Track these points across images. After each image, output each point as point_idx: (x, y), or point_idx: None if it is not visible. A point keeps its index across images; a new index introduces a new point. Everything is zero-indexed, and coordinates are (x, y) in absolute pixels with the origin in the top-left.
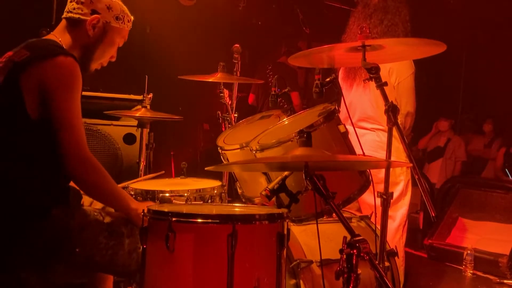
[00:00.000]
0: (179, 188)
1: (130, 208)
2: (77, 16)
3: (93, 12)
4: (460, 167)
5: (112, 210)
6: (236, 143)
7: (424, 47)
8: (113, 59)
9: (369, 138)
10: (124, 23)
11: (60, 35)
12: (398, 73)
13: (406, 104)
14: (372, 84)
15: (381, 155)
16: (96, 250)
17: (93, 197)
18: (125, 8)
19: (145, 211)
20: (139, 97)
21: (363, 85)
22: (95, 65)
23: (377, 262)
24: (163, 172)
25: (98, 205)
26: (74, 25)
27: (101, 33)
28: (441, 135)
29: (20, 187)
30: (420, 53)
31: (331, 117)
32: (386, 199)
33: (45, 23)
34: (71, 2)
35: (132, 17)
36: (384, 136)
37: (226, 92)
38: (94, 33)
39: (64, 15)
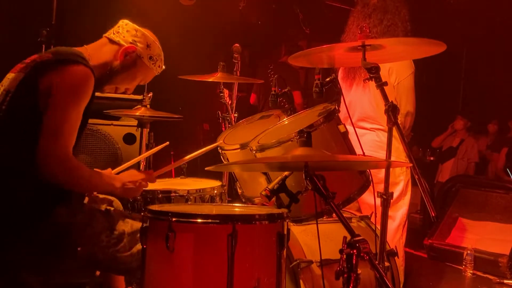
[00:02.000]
0: (179, 188)
1: (114, 188)
2: (117, 39)
3: (133, 42)
4: (473, 169)
5: (113, 209)
6: (236, 143)
7: (424, 46)
8: (128, 92)
9: (369, 138)
10: (155, 66)
11: (92, 50)
12: (398, 72)
13: (406, 104)
14: (372, 83)
15: (381, 155)
16: (98, 248)
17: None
18: (162, 54)
19: (127, 180)
20: (139, 97)
21: (363, 85)
22: (109, 88)
23: (377, 262)
24: (168, 143)
25: (101, 203)
26: (110, 45)
27: (129, 63)
28: (455, 136)
29: (22, 186)
30: (420, 53)
31: (331, 117)
32: (386, 199)
33: (45, 23)
34: (118, 26)
35: (164, 67)
36: (383, 136)
37: (226, 92)
38: (124, 60)
39: (106, 34)
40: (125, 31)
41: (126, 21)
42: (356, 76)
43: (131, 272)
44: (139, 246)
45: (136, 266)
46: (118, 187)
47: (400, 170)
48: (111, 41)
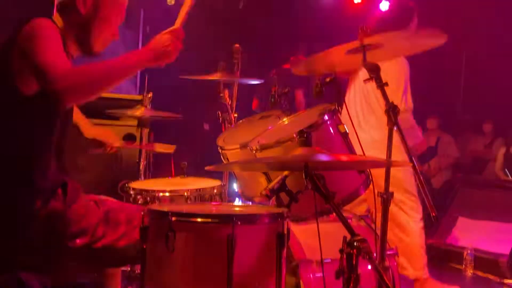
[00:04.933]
0: (179, 188)
1: (147, 61)
2: None
3: None
4: (455, 163)
5: (108, 198)
6: (236, 143)
7: (424, 39)
8: (116, 38)
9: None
10: None
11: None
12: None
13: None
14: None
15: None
16: (95, 239)
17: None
18: None
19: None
20: (139, 97)
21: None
22: (97, 45)
23: (377, 262)
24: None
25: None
26: (65, 9)
27: (93, 8)
28: (430, 135)
29: (14, 180)
30: (420, 46)
31: (331, 117)
32: (386, 199)
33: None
34: None
35: None
36: (377, 135)
37: (226, 92)
38: (86, 10)
39: (56, 10)
40: None
41: None
42: (355, 74)
43: (130, 262)
44: (136, 235)
45: (134, 255)
46: (150, 59)
47: None
48: (62, 5)
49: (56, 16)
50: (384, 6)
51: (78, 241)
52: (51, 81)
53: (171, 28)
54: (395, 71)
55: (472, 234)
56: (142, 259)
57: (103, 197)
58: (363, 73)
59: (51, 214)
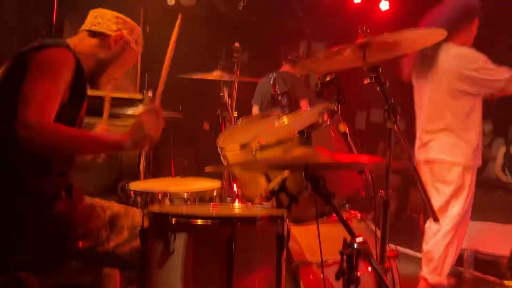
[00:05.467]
0: (179, 189)
1: (121, 146)
2: (101, 30)
3: (118, 30)
4: None
5: (113, 203)
6: (236, 143)
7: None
8: (117, 80)
9: (441, 142)
10: (139, 47)
11: (76, 41)
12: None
13: None
14: (433, 80)
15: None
16: (98, 242)
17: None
18: (141, 35)
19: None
20: (139, 96)
21: (431, 85)
22: (104, 81)
23: (377, 263)
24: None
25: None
26: (95, 37)
27: (118, 51)
28: None
29: (22, 183)
30: (423, 42)
31: (332, 117)
32: (387, 199)
33: (45, 23)
34: (95, 17)
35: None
36: (446, 139)
37: (225, 91)
38: (114, 48)
39: (86, 28)
40: (106, 20)
41: (102, 10)
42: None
43: (131, 267)
44: (139, 241)
45: (136, 261)
46: (129, 146)
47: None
48: (93, 34)
49: (83, 36)
50: (384, 6)
51: (80, 243)
52: (21, 122)
53: (149, 108)
54: (475, 57)
55: (472, 235)
56: (142, 260)
57: (108, 202)
58: (432, 78)
59: (56, 217)
